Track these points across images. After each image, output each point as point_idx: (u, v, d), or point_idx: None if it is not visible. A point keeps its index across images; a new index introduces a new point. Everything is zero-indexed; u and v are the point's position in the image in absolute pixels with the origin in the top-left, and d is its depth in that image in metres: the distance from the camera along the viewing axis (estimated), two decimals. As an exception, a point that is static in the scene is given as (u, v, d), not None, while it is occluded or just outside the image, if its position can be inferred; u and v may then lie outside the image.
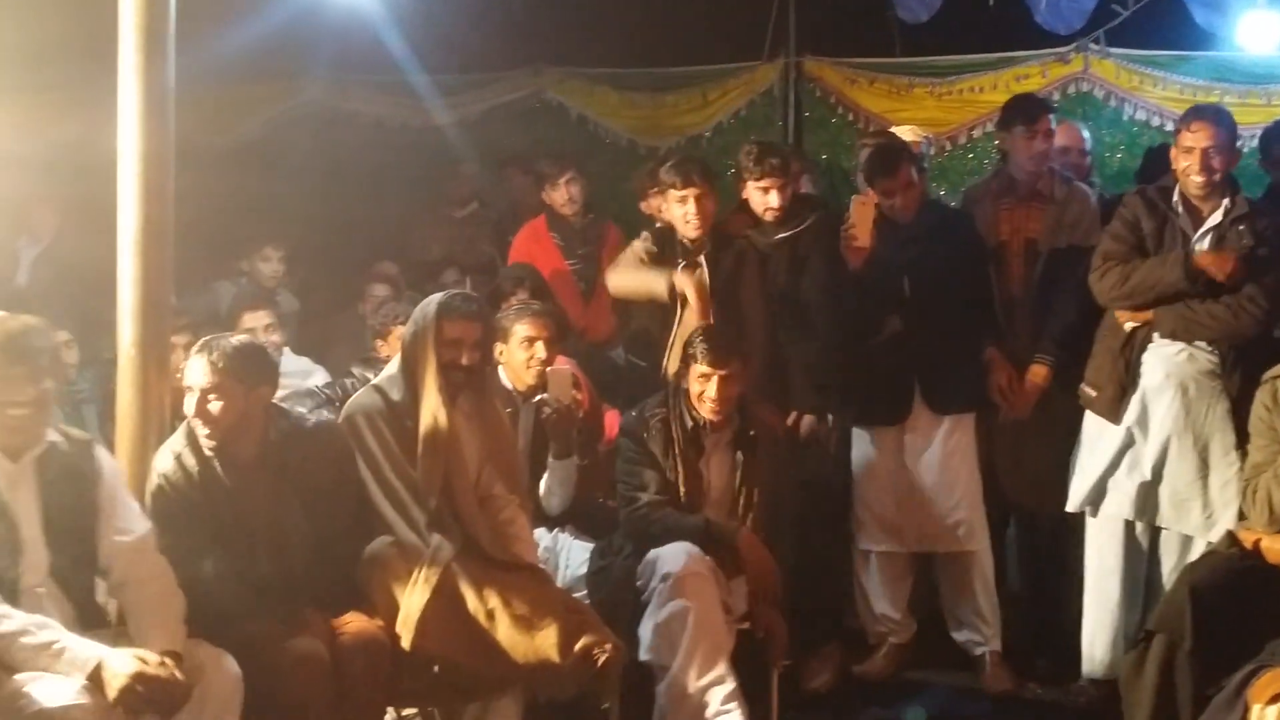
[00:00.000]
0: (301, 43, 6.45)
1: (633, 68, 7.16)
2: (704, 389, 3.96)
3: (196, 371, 3.32)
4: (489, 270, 5.83)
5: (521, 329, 4.21)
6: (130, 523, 3.16)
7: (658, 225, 4.79)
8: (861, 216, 4.42)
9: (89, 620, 3.08)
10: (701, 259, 4.49)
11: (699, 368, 3.96)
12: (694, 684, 3.66)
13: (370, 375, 4.20)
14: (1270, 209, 4.27)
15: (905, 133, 5.27)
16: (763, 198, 4.59)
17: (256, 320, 4.43)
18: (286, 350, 4.91)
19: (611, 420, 4.56)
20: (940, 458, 4.46)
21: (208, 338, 3.43)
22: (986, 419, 4.55)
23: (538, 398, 4.19)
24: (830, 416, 4.54)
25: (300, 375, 4.78)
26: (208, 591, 3.22)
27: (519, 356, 4.21)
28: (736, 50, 7.09)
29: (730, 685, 3.68)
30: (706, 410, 3.97)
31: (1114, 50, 6.53)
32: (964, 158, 6.79)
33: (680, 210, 4.48)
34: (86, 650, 2.83)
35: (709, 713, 3.64)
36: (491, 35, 6.87)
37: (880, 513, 4.51)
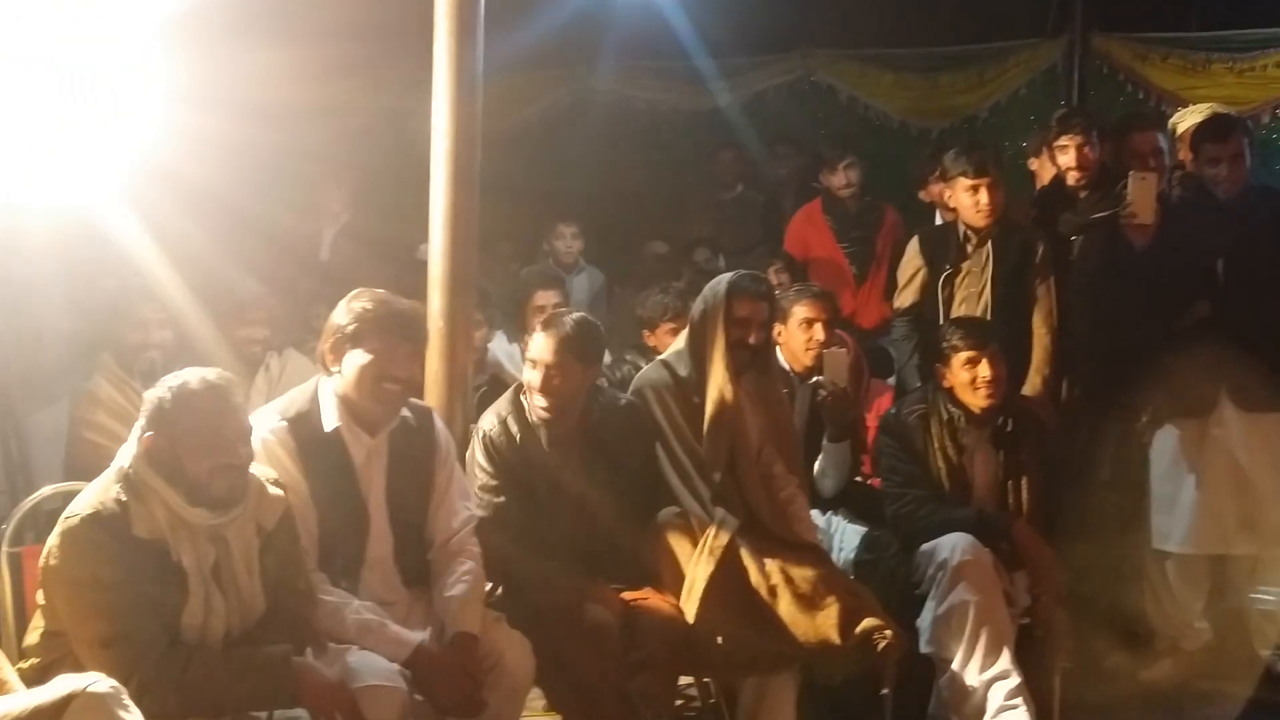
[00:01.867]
0: (588, 31, 6.62)
1: (906, 47, 7.01)
2: (975, 374, 3.87)
3: (541, 348, 3.45)
4: (747, 251, 5.86)
5: (801, 310, 4.22)
6: (460, 501, 3.29)
7: (939, 223, 4.68)
8: (1142, 193, 4.21)
9: (417, 596, 3.23)
10: (987, 248, 4.39)
11: (962, 355, 3.88)
12: (977, 677, 3.60)
13: (642, 362, 4.29)
14: None
15: (1196, 114, 4.99)
16: (1065, 158, 4.46)
17: (547, 300, 4.59)
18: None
19: (882, 406, 4.52)
20: (1249, 458, 4.19)
21: (549, 315, 3.57)
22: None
23: (814, 379, 4.18)
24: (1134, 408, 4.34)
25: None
26: (510, 555, 3.36)
27: (798, 338, 4.21)
28: (1016, 27, 6.84)
29: (1016, 680, 3.59)
30: (981, 397, 3.88)
31: None
32: (1267, 139, 6.34)
33: (970, 199, 4.39)
34: (407, 636, 3.00)
35: (993, 708, 3.57)
36: (762, 18, 6.87)
37: (1181, 513, 4.28)
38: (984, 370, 3.89)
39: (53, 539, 2.64)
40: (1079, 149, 4.52)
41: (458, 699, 2.98)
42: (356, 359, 3.07)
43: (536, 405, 3.48)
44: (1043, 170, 4.81)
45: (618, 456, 3.58)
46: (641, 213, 6.70)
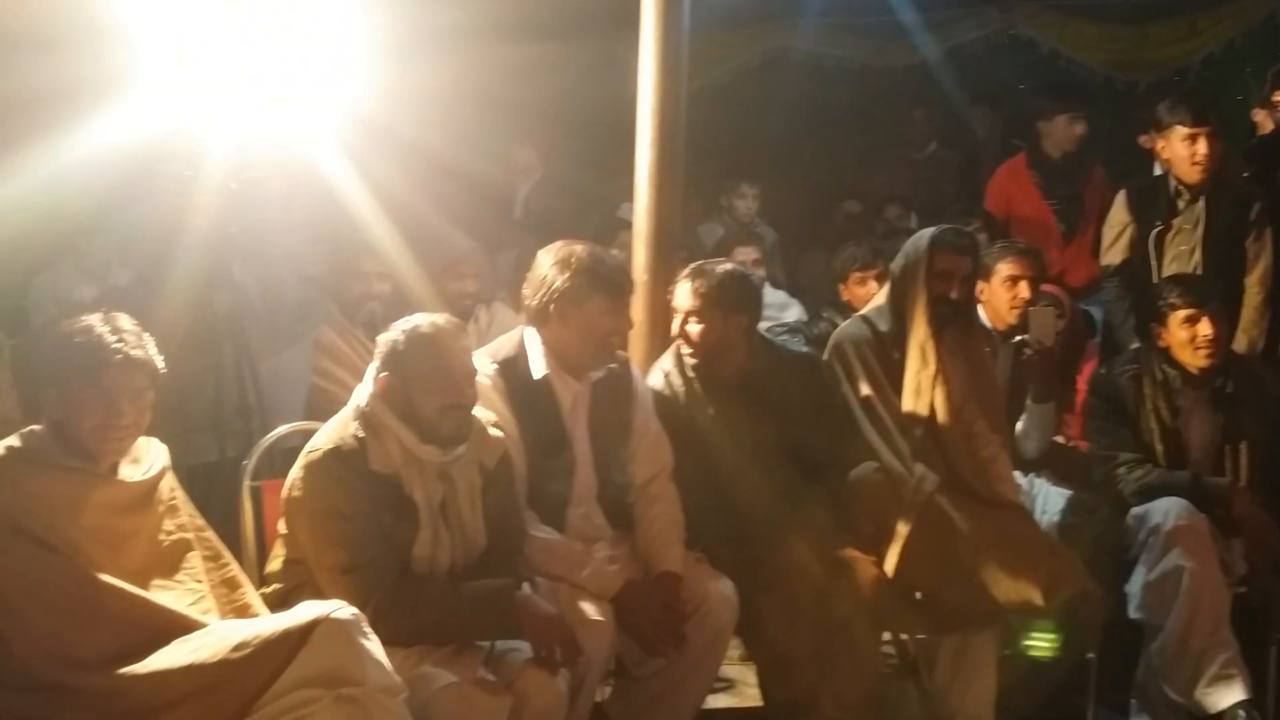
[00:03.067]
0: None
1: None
2: (1194, 333, 3.73)
3: (682, 295, 3.50)
4: (941, 210, 5.74)
5: (1005, 267, 4.13)
6: (657, 446, 3.38)
7: (1148, 178, 4.50)
8: None
9: (620, 536, 3.32)
10: (1200, 203, 4.22)
11: (1180, 313, 3.75)
12: (1191, 645, 3.48)
13: (839, 319, 4.26)
14: None
15: None
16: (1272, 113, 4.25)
17: (746, 255, 4.65)
18: (766, 285, 5.09)
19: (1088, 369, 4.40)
20: None
21: (696, 264, 3.59)
22: None
23: (1017, 339, 4.10)
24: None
25: (777, 308, 4.95)
26: (695, 511, 3.40)
27: (1001, 296, 4.13)
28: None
29: (1231, 650, 3.47)
30: (1200, 356, 3.74)
31: None
32: None
33: (1186, 151, 4.21)
34: (614, 574, 3.09)
35: (1208, 677, 3.46)
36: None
37: None
38: (1204, 329, 3.75)
39: (296, 472, 2.81)
40: None
41: (661, 635, 3.06)
42: (577, 312, 3.17)
43: (683, 354, 3.52)
44: (1265, 124, 4.59)
45: (785, 408, 3.56)
46: (831, 172, 6.64)
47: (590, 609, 2.96)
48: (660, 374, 3.59)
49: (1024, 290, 4.11)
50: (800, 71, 7.00)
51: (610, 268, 3.19)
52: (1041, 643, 3.45)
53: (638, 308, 3.73)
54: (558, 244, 3.26)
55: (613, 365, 3.34)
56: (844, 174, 6.64)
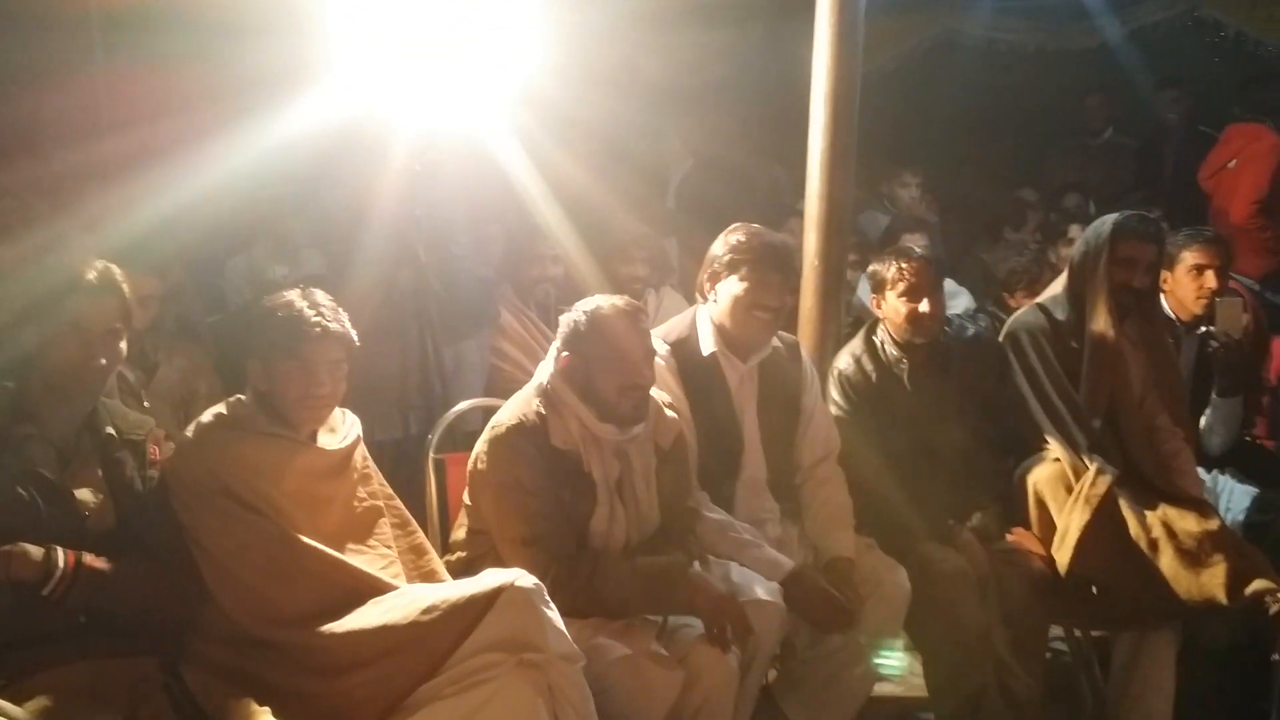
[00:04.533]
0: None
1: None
2: None
3: (907, 273, 3.52)
4: (1118, 199, 5.56)
5: (1191, 256, 4.00)
6: (826, 429, 3.41)
7: None
8: None
9: (789, 514, 3.35)
10: None
11: None
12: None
13: (1003, 315, 4.19)
14: None
15: None
16: None
17: (915, 242, 4.58)
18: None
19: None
20: None
21: (902, 246, 3.64)
22: None
23: (1203, 329, 3.96)
24: None
25: (948, 297, 4.87)
26: (867, 496, 3.40)
27: (1186, 285, 4.00)
28: None
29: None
30: None
31: None
32: None
33: None
34: (782, 560, 3.10)
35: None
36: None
37: None
38: None
39: (481, 445, 2.91)
40: None
41: (830, 619, 3.07)
42: (731, 287, 3.24)
43: (906, 336, 3.52)
44: None
45: (965, 391, 3.56)
46: (1002, 159, 6.50)
47: (761, 589, 2.98)
48: (848, 357, 3.60)
49: (1210, 280, 3.97)
50: (971, 56, 6.86)
51: (762, 243, 3.24)
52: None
53: (808, 293, 3.74)
54: (732, 225, 3.30)
55: (780, 347, 3.36)
56: (1017, 161, 6.49)
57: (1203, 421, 3.97)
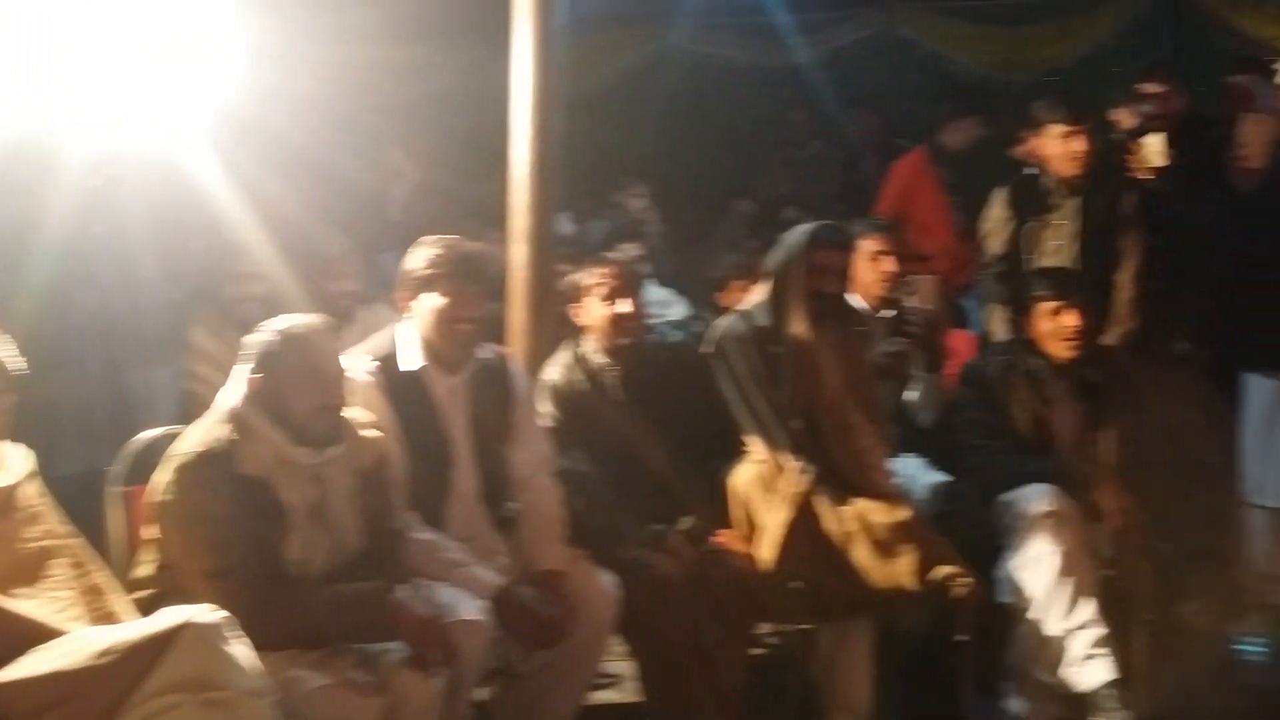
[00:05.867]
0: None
1: (990, -1, 6.92)
2: (1058, 324, 3.86)
3: (599, 276, 3.59)
4: (829, 209, 5.84)
5: (868, 244, 4.25)
6: (538, 442, 3.41)
7: (1026, 173, 4.63)
8: (1255, 135, 4.15)
9: (503, 528, 3.33)
10: (1073, 198, 4.36)
11: (1046, 305, 3.89)
12: (1059, 627, 3.59)
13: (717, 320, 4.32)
14: None
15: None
16: (1138, 109, 4.46)
17: (628, 249, 4.66)
18: (651, 283, 5.13)
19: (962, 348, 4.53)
20: None
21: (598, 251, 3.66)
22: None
23: (896, 311, 4.20)
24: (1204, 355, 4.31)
25: (662, 305, 4.99)
26: (578, 506, 3.43)
27: (868, 271, 4.24)
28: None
29: (1099, 630, 3.59)
30: (1064, 348, 3.87)
31: None
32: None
33: (1061, 148, 4.36)
34: (490, 577, 3.08)
35: (1075, 658, 3.57)
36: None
37: (1273, 466, 4.23)
38: (1068, 321, 3.87)
39: (165, 475, 2.76)
40: (1161, 98, 4.45)
41: (542, 632, 3.08)
42: (430, 301, 3.21)
43: (609, 341, 3.58)
44: (1125, 121, 4.74)
45: (670, 397, 3.64)
46: (721, 172, 6.71)
47: (467, 609, 2.95)
48: (559, 368, 3.63)
49: (888, 264, 4.24)
50: (687, 72, 7.06)
51: (459, 255, 3.23)
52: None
53: (517, 305, 3.75)
54: (424, 238, 3.29)
55: (490, 359, 3.35)
56: (734, 174, 6.71)
57: (910, 397, 4.21)
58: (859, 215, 5.43)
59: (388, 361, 3.24)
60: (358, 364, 3.18)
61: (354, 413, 3.00)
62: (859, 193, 5.89)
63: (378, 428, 3.07)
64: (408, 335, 3.27)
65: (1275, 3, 6.31)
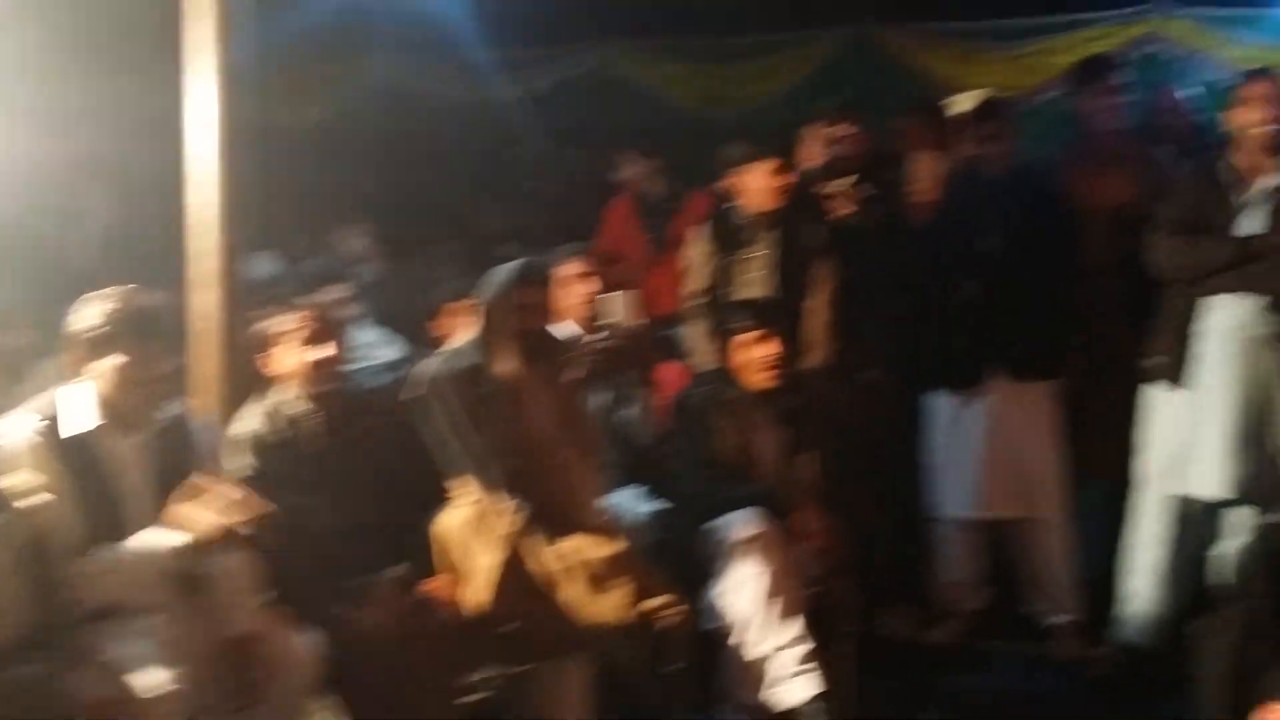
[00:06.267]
0: (369, 22, 6.53)
1: (696, 36, 7.13)
2: (757, 354, 4.00)
3: (298, 320, 3.52)
4: (546, 245, 5.88)
5: (567, 269, 4.30)
6: (225, 498, 3.22)
7: (723, 207, 4.77)
8: (925, 171, 4.41)
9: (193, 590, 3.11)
10: (770, 232, 4.53)
11: (743, 336, 4.03)
12: (767, 647, 3.70)
13: (432, 355, 4.26)
14: None
15: (969, 99, 5.23)
16: (829, 148, 4.66)
17: (333, 294, 4.52)
18: (365, 323, 5.02)
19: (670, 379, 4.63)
20: (1019, 425, 4.42)
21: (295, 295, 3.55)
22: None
23: (596, 331, 4.25)
24: (893, 379, 4.54)
25: (377, 346, 4.89)
26: (284, 557, 3.30)
27: (570, 295, 4.29)
28: (804, 16, 7.05)
29: (805, 647, 3.71)
30: (763, 376, 4.01)
31: (1183, 10, 6.42)
32: (1034, 122, 6.69)
33: (758, 184, 4.50)
34: (178, 643, 2.89)
35: (783, 675, 3.68)
36: (556, 9, 6.88)
37: (956, 479, 4.49)
38: (766, 350, 4.01)
39: None
40: (845, 138, 4.69)
41: (237, 696, 2.94)
42: (109, 359, 3.02)
43: (309, 387, 3.50)
44: (817, 159, 4.96)
45: (374, 442, 3.60)
46: (436, 208, 6.65)
47: (153, 678, 2.77)
48: (257, 418, 3.48)
49: (587, 285, 4.32)
50: (399, 107, 6.98)
51: (145, 311, 3.05)
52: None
53: (206, 355, 3.58)
54: (100, 291, 3.08)
55: (174, 415, 3.18)
56: (453, 210, 6.66)
57: (623, 417, 4.27)
58: (576, 250, 5.51)
59: (55, 421, 3.01)
60: (24, 423, 2.95)
61: (18, 478, 2.77)
62: (573, 229, 5.93)
63: (47, 491, 2.85)
64: (79, 394, 3.05)
65: (956, 44, 6.81)
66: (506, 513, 3.57)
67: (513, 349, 3.71)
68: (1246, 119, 3.94)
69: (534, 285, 3.77)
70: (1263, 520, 3.93)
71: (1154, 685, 3.99)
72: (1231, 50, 6.33)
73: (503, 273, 3.83)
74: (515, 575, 3.51)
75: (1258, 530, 3.79)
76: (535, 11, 6.71)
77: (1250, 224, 3.93)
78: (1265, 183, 3.94)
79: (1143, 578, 4.21)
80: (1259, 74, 4.10)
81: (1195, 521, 4.11)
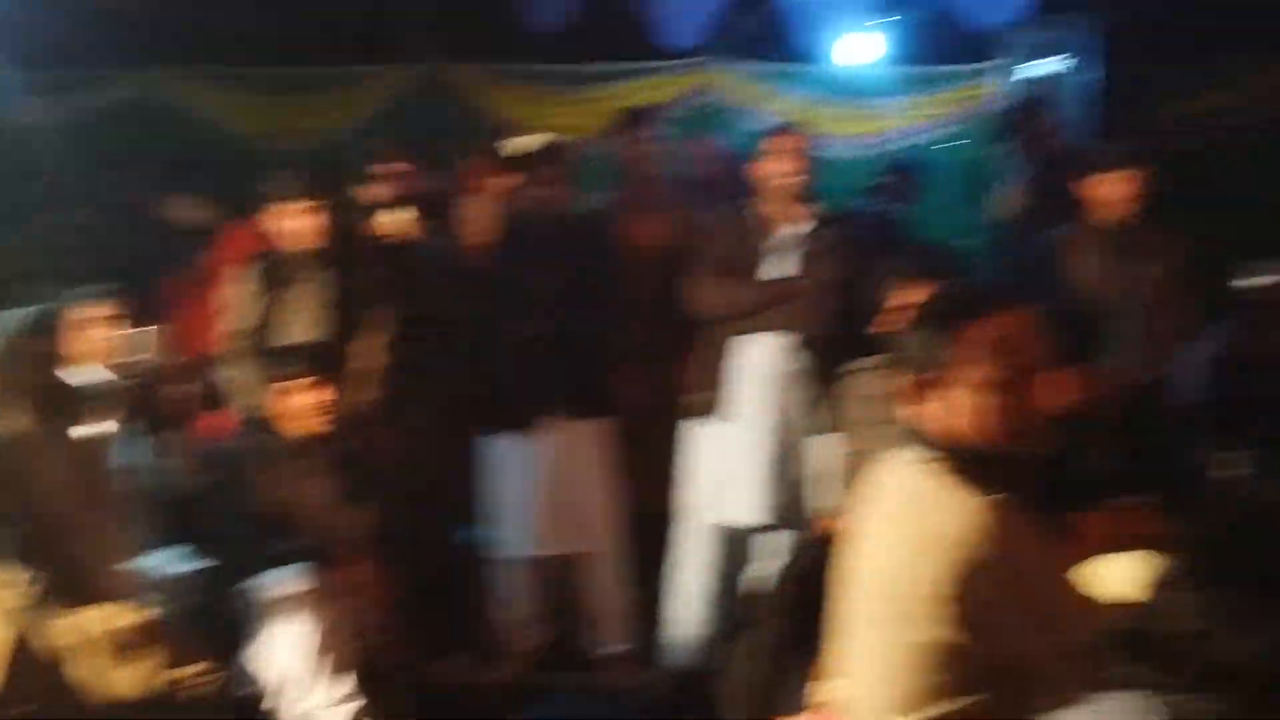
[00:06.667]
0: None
1: (261, 67, 6.86)
2: (298, 401, 3.87)
3: None
4: (86, 281, 5.43)
5: (88, 311, 3.97)
6: None
7: (268, 245, 4.56)
8: (476, 213, 4.45)
9: None
10: (322, 272, 4.39)
11: (283, 384, 3.88)
12: (314, 705, 3.58)
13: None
14: (843, 215, 4.57)
15: (530, 141, 5.33)
16: (387, 186, 4.65)
17: None
18: None
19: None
20: (572, 463, 4.48)
21: None
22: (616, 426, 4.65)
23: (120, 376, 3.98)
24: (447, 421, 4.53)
25: None
26: None
27: (91, 337, 3.95)
28: (375, 50, 6.97)
29: (357, 702, 3.62)
30: (306, 424, 3.87)
31: (734, 64, 6.91)
32: (591, 166, 6.95)
33: (296, 224, 4.34)
34: None
35: (326, 731, 3.56)
36: (102, 31, 6.38)
37: (513, 519, 4.50)
38: (315, 396, 3.87)
39: None
40: (403, 175, 4.66)
41: None
42: None
43: None
44: (369, 196, 4.86)
45: None
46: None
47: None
48: None
49: (112, 326, 4.01)
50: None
51: None
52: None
53: None
54: None
55: None
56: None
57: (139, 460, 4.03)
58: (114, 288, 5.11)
59: None
60: None
61: None
62: (112, 264, 5.48)
63: None
64: None
65: (526, 86, 6.95)
66: (18, 585, 3.27)
67: (23, 404, 3.42)
68: (772, 169, 4.25)
69: (46, 333, 3.47)
70: (791, 543, 4.26)
71: (701, 707, 4.17)
72: (777, 103, 6.85)
73: (13, 319, 3.51)
74: (27, 653, 3.19)
75: (787, 553, 4.06)
76: (80, 33, 6.20)
77: (778, 268, 4.24)
78: (791, 229, 4.26)
79: (688, 603, 4.42)
80: (783, 128, 4.44)
81: (734, 547, 4.36)
